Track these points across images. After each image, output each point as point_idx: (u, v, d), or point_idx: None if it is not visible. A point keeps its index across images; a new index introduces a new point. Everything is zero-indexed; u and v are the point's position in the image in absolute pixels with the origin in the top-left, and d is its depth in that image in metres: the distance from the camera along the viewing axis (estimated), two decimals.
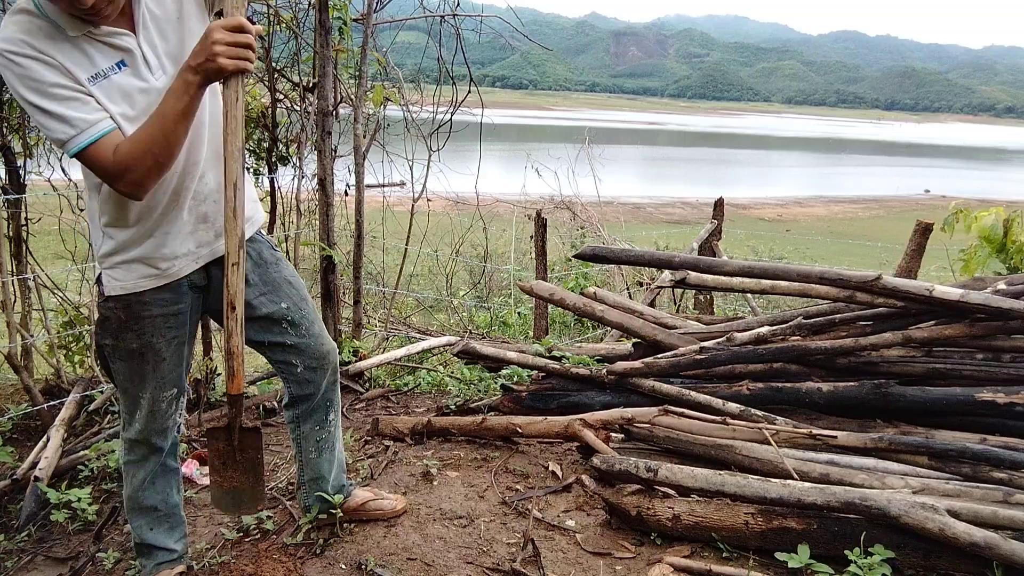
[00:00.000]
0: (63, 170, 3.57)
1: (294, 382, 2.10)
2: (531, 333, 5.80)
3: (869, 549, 1.90)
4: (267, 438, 3.24)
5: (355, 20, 3.91)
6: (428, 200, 4.71)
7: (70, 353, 3.67)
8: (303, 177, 4.26)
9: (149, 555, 2.05)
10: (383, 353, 4.23)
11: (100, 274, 1.85)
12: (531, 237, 6.69)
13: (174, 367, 1.92)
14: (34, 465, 2.77)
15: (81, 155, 1.59)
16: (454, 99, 4.42)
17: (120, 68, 1.63)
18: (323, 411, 2.17)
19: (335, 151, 3.90)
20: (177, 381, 1.95)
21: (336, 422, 2.24)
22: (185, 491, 2.50)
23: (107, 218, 1.76)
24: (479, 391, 3.59)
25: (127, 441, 1.99)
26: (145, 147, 1.59)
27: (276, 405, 3.47)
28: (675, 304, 6.83)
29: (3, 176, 3.37)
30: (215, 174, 1.81)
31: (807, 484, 2.07)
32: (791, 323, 2.97)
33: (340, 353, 3.88)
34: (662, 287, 4.02)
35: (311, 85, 3.86)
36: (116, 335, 1.85)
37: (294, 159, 4.18)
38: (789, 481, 2.09)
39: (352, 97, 3.98)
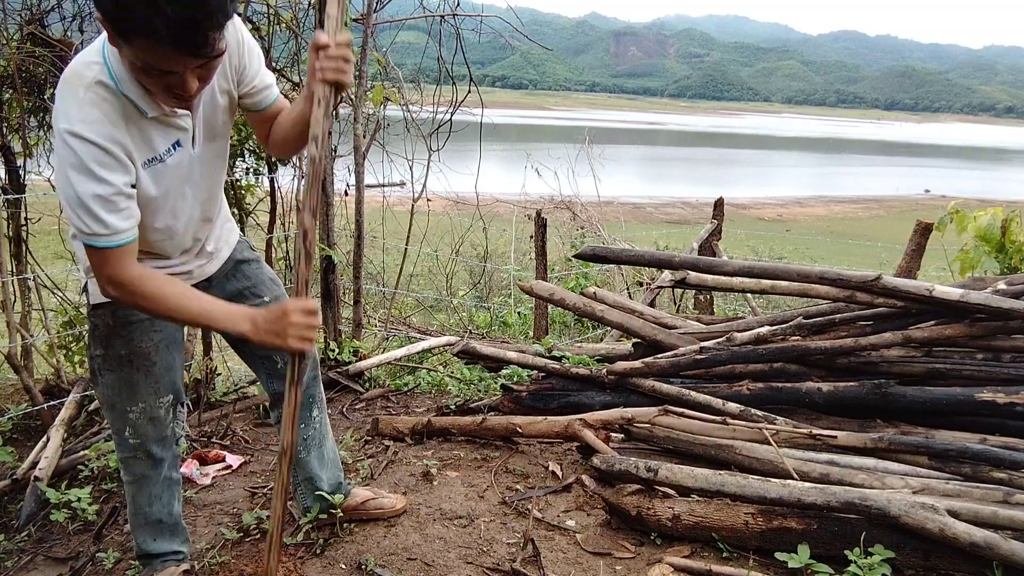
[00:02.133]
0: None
1: (276, 378, 2.06)
2: (531, 333, 5.80)
3: (869, 549, 1.90)
4: (266, 438, 3.24)
5: (355, 20, 3.90)
6: (428, 200, 4.70)
7: (70, 353, 3.67)
8: (303, 177, 4.25)
9: (150, 564, 2.06)
10: (383, 353, 4.23)
11: (86, 283, 1.83)
12: (531, 237, 6.69)
13: (165, 371, 1.90)
14: (34, 465, 2.77)
15: (93, 249, 1.56)
16: (454, 99, 4.41)
17: (175, 149, 1.65)
18: (307, 408, 2.15)
19: (335, 151, 3.90)
20: (171, 387, 1.93)
21: (321, 418, 2.21)
22: (185, 491, 2.51)
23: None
24: (479, 391, 3.59)
25: (123, 460, 1.96)
26: (162, 305, 1.61)
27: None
28: (675, 304, 6.84)
29: (3, 176, 3.37)
30: (216, 217, 1.90)
31: (807, 484, 2.07)
32: (791, 323, 2.97)
33: (340, 353, 3.90)
34: (662, 287, 4.03)
35: None
36: (106, 343, 1.84)
37: (294, 159, 4.18)
38: (789, 481, 2.09)
39: (352, 97, 3.98)
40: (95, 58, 1.51)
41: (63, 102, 1.49)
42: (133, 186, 1.57)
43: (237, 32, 1.67)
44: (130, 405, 1.88)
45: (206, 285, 1.95)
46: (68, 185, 1.48)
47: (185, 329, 2.03)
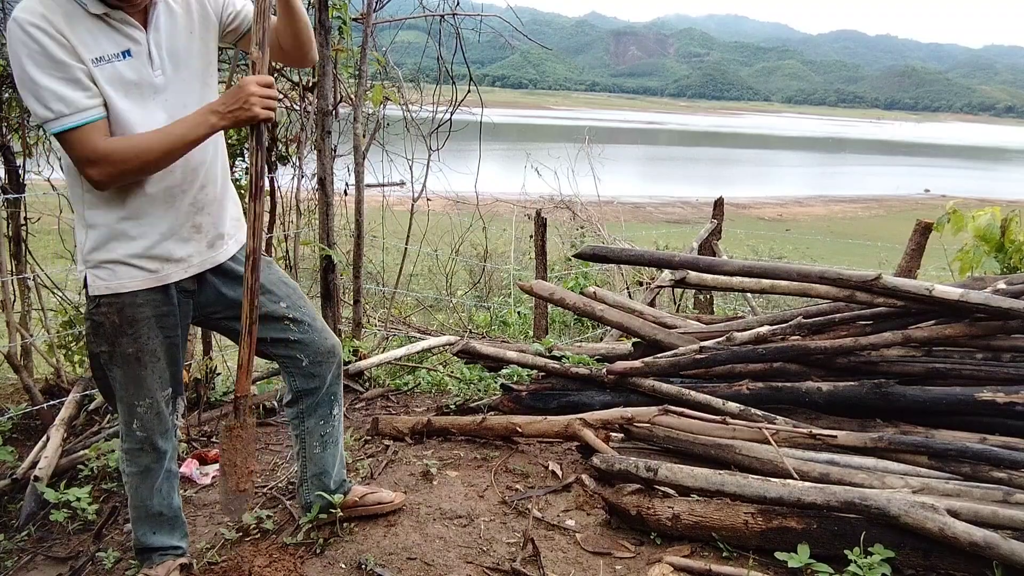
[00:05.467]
0: (63, 170, 3.56)
1: (299, 376, 2.11)
2: (531, 333, 5.80)
3: (869, 549, 1.90)
4: (267, 438, 3.24)
5: (355, 19, 3.90)
6: (428, 200, 4.70)
7: (70, 353, 3.67)
8: (303, 177, 4.25)
9: (149, 557, 2.06)
10: (383, 353, 4.23)
11: (85, 276, 1.82)
12: (531, 237, 6.69)
13: (170, 366, 1.94)
14: (34, 465, 2.77)
15: (64, 135, 1.62)
16: (454, 98, 4.41)
17: (124, 57, 1.68)
18: (328, 405, 2.19)
19: (335, 150, 3.90)
20: (172, 381, 1.96)
21: (339, 416, 2.26)
22: (185, 491, 2.51)
23: (92, 196, 1.75)
24: (479, 391, 3.58)
25: (128, 452, 1.97)
26: (139, 152, 1.66)
27: (276, 405, 3.47)
28: (675, 304, 6.84)
29: (3, 176, 3.37)
30: (214, 188, 1.89)
31: (807, 484, 2.07)
32: (791, 323, 2.97)
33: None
34: (662, 287, 4.02)
35: (311, 84, 3.86)
36: (112, 341, 1.84)
37: (294, 159, 4.17)
38: (789, 481, 2.10)
39: (352, 96, 3.98)
40: None
41: (20, 2, 1.60)
42: (87, 74, 1.62)
43: None
44: (138, 400, 1.90)
45: (212, 290, 1.97)
46: (23, 72, 1.57)
47: (188, 328, 2.04)
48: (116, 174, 1.66)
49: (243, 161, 3.76)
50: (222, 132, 1.88)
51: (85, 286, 1.84)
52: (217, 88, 1.94)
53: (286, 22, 1.85)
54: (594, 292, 3.53)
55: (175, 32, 1.76)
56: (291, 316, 2.03)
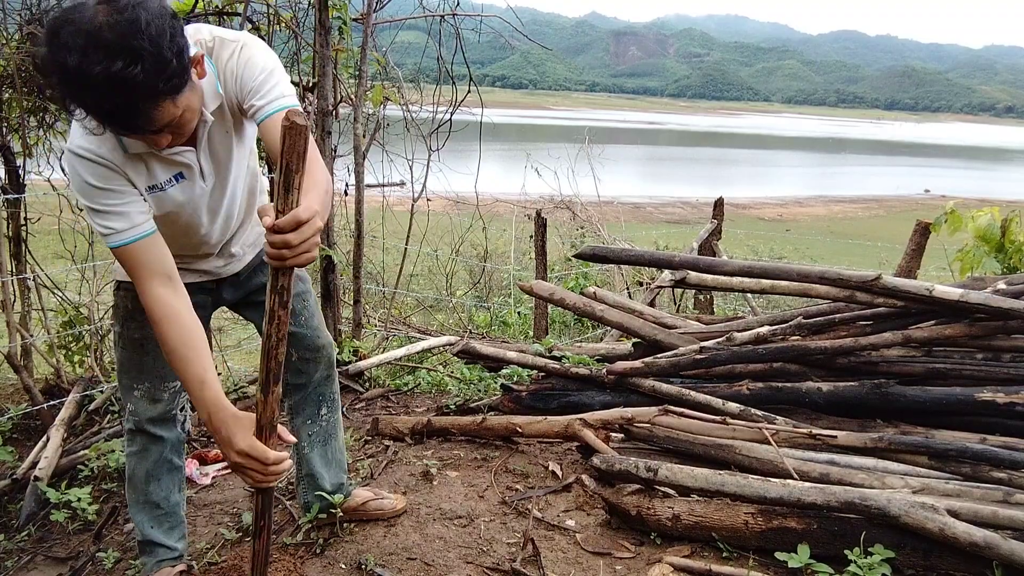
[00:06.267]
0: (62, 170, 3.57)
1: (289, 370, 2.11)
2: (531, 333, 5.80)
3: (869, 549, 1.90)
4: None
5: (355, 20, 3.90)
6: (428, 200, 4.71)
7: (70, 353, 3.67)
8: None
9: (151, 552, 2.06)
10: (383, 353, 4.23)
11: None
12: (531, 237, 6.69)
13: None
14: (34, 465, 2.77)
15: (120, 251, 1.65)
16: (454, 99, 4.41)
17: (177, 181, 1.71)
18: (315, 405, 2.19)
19: (335, 151, 3.90)
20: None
21: (329, 418, 2.24)
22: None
23: None
24: (479, 391, 3.58)
25: (128, 431, 2.03)
26: (161, 339, 1.63)
27: None
28: (675, 304, 6.84)
29: (3, 176, 3.37)
30: (239, 224, 1.95)
31: (807, 484, 2.07)
32: (791, 323, 2.97)
33: (340, 353, 3.89)
34: (662, 287, 4.02)
35: (311, 85, 3.86)
36: (123, 323, 1.94)
37: None
38: (789, 481, 2.09)
39: (352, 97, 3.98)
40: None
41: (73, 129, 1.60)
42: (139, 197, 1.65)
43: (229, 65, 1.66)
44: (136, 383, 1.97)
45: (233, 281, 2.02)
46: (80, 200, 1.64)
47: (209, 320, 2.07)
48: (146, 309, 1.66)
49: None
50: (253, 153, 1.92)
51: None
52: (256, 152, 1.95)
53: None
54: (594, 292, 3.53)
55: (216, 139, 1.74)
56: (292, 306, 2.03)
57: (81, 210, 3.42)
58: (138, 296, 1.80)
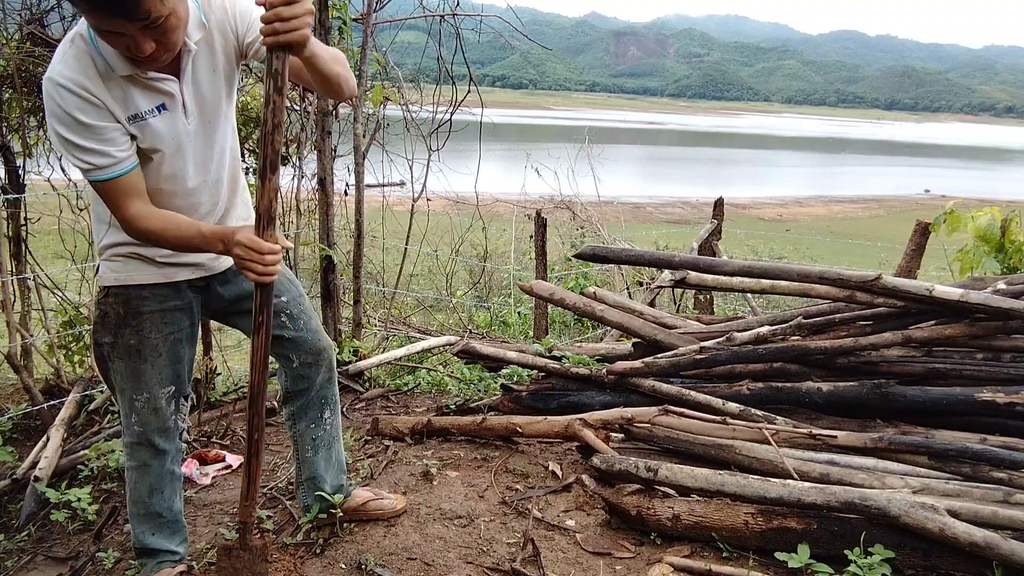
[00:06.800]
0: (62, 170, 3.57)
1: (289, 376, 2.12)
2: (531, 333, 5.80)
3: (869, 549, 1.90)
4: (267, 438, 3.24)
5: (355, 20, 3.90)
6: (428, 200, 4.71)
7: (70, 353, 3.67)
8: (303, 177, 4.26)
9: (151, 555, 2.06)
10: (383, 353, 4.23)
11: (99, 265, 1.90)
12: (531, 237, 6.69)
13: (171, 363, 1.93)
14: (34, 465, 2.77)
15: (97, 184, 1.67)
16: (454, 99, 4.41)
17: (159, 111, 1.70)
18: (318, 408, 2.18)
19: (335, 151, 3.90)
20: (175, 379, 1.96)
21: (332, 421, 2.24)
22: (185, 491, 2.50)
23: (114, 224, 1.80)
24: (479, 391, 3.58)
25: (128, 446, 1.99)
26: (157, 234, 1.72)
27: (275, 405, 3.47)
28: (675, 304, 6.84)
29: (3, 176, 3.37)
30: (226, 200, 1.94)
31: (807, 484, 2.07)
32: (791, 323, 2.97)
33: (340, 353, 3.89)
34: (662, 287, 4.02)
35: None
36: (115, 332, 1.88)
37: (294, 159, 4.18)
38: (789, 481, 2.09)
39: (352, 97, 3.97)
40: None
41: (55, 56, 1.61)
42: (121, 131, 1.65)
43: (224, 3, 1.73)
44: (136, 394, 1.92)
45: (223, 280, 1.99)
46: (55, 132, 1.61)
47: (199, 325, 2.05)
48: (134, 234, 1.73)
49: (243, 161, 3.76)
50: (235, 131, 1.92)
51: (97, 273, 1.90)
52: (235, 111, 1.94)
53: (308, 68, 1.71)
54: (594, 292, 3.53)
55: (202, 74, 1.75)
56: (289, 311, 2.03)
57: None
58: (128, 294, 1.81)
